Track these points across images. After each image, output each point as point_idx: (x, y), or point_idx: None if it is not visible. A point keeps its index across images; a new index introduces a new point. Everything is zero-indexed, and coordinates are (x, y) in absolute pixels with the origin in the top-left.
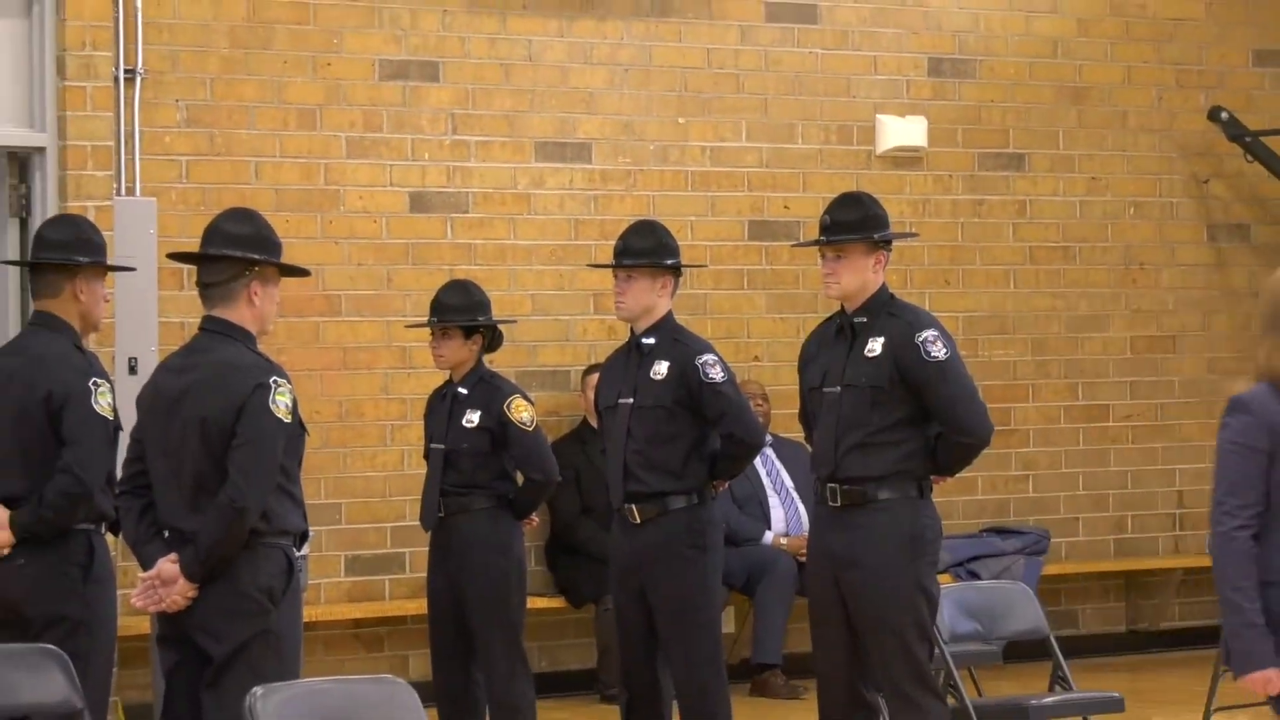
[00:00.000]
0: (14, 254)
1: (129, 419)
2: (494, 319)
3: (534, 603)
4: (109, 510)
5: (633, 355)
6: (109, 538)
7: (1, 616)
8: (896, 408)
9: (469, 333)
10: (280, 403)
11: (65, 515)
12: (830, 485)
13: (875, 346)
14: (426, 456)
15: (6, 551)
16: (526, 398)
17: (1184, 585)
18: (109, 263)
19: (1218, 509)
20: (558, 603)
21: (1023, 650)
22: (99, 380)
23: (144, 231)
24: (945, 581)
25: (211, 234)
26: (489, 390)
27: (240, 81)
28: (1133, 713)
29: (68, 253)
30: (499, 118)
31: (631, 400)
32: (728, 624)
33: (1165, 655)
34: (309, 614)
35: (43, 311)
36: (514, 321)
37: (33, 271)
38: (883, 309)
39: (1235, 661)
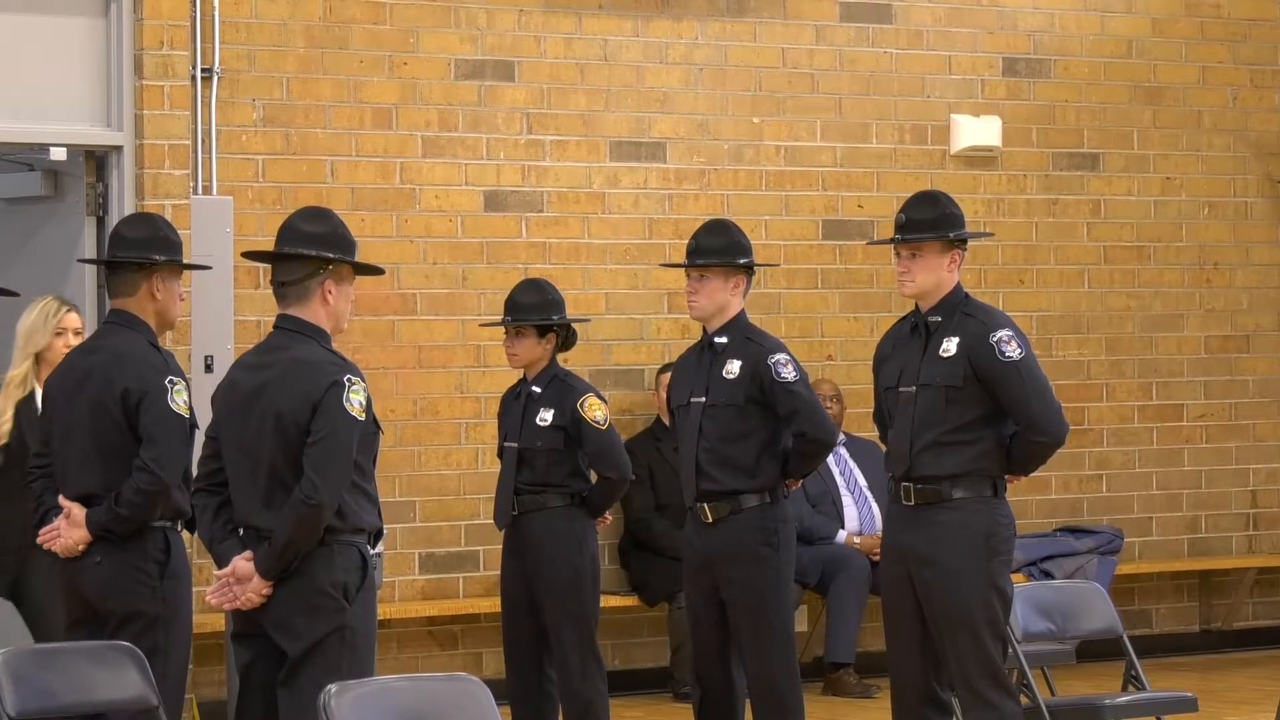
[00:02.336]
0: (91, 252)
1: (205, 417)
2: (568, 318)
3: (607, 601)
4: (185, 508)
5: (705, 354)
6: (185, 535)
7: (78, 614)
8: (971, 407)
9: (543, 332)
10: (354, 400)
11: (142, 513)
12: (905, 484)
13: (950, 346)
14: (500, 455)
15: (83, 549)
16: (600, 396)
17: (1258, 585)
18: (185, 261)
19: None
20: (631, 601)
21: (1096, 650)
22: (175, 378)
23: (220, 230)
24: (1019, 581)
25: (287, 233)
26: (563, 389)
27: (317, 81)
28: (1206, 712)
29: (144, 251)
30: (574, 117)
31: (704, 399)
32: (801, 622)
33: (1238, 655)
34: (383, 611)
35: (119, 310)
36: (588, 320)
37: (109, 270)
38: (957, 308)
39: None
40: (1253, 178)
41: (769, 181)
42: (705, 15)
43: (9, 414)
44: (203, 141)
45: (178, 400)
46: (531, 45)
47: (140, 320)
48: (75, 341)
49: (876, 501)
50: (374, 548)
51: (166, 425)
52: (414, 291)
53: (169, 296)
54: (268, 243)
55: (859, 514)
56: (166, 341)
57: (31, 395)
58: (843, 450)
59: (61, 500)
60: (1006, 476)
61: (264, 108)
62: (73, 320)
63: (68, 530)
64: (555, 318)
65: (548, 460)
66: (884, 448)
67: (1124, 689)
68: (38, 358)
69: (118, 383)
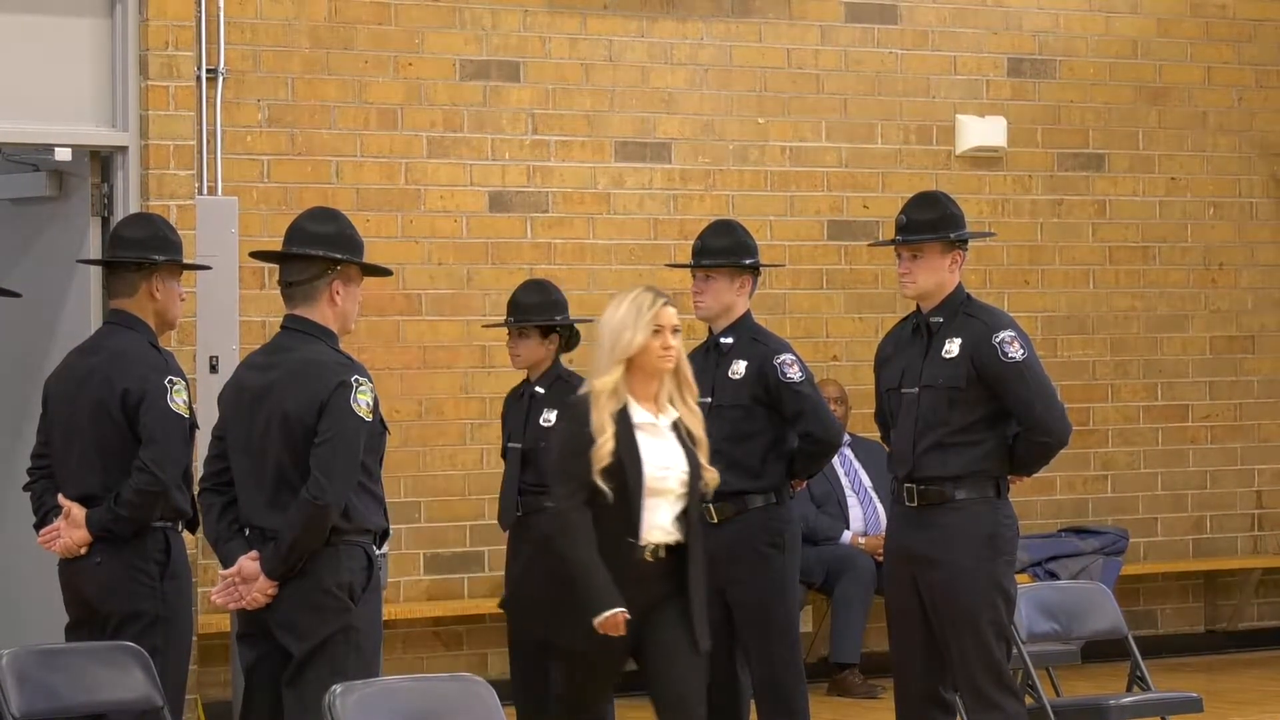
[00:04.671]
0: (96, 253)
1: (210, 417)
2: (571, 319)
3: None
4: (185, 508)
5: (711, 354)
6: (186, 535)
7: (79, 614)
8: (974, 408)
9: (546, 332)
10: (362, 401)
11: (142, 513)
12: (908, 485)
13: (952, 347)
14: (504, 455)
15: (84, 550)
16: None
17: (1263, 585)
18: (186, 261)
19: None
20: None
21: (1101, 650)
22: (175, 378)
23: (225, 230)
24: (1023, 581)
25: (294, 233)
26: (566, 389)
27: (321, 81)
28: (1211, 713)
29: (143, 251)
30: (579, 118)
31: (710, 399)
32: (806, 623)
33: (1244, 655)
34: (388, 612)
35: (119, 310)
36: (591, 321)
37: (109, 270)
38: (959, 309)
39: None
40: (1258, 178)
41: (774, 182)
42: (710, 16)
43: (610, 431)
44: (208, 142)
45: (177, 400)
46: (536, 46)
47: (140, 320)
48: (674, 341)
49: (881, 502)
50: (380, 548)
51: (166, 425)
52: (419, 292)
53: (169, 296)
54: (272, 243)
55: (864, 514)
56: (172, 342)
57: (625, 411)
58: (847, 451)
59: (61, 500)
60: (1010, 477)
61: (269, 108)
62: (669, 316)
63: (68, 531)
64: (558, 318)
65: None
66: (887, 448)
67: (1129, 689)
68: (629, 364)
69: (118, 383)
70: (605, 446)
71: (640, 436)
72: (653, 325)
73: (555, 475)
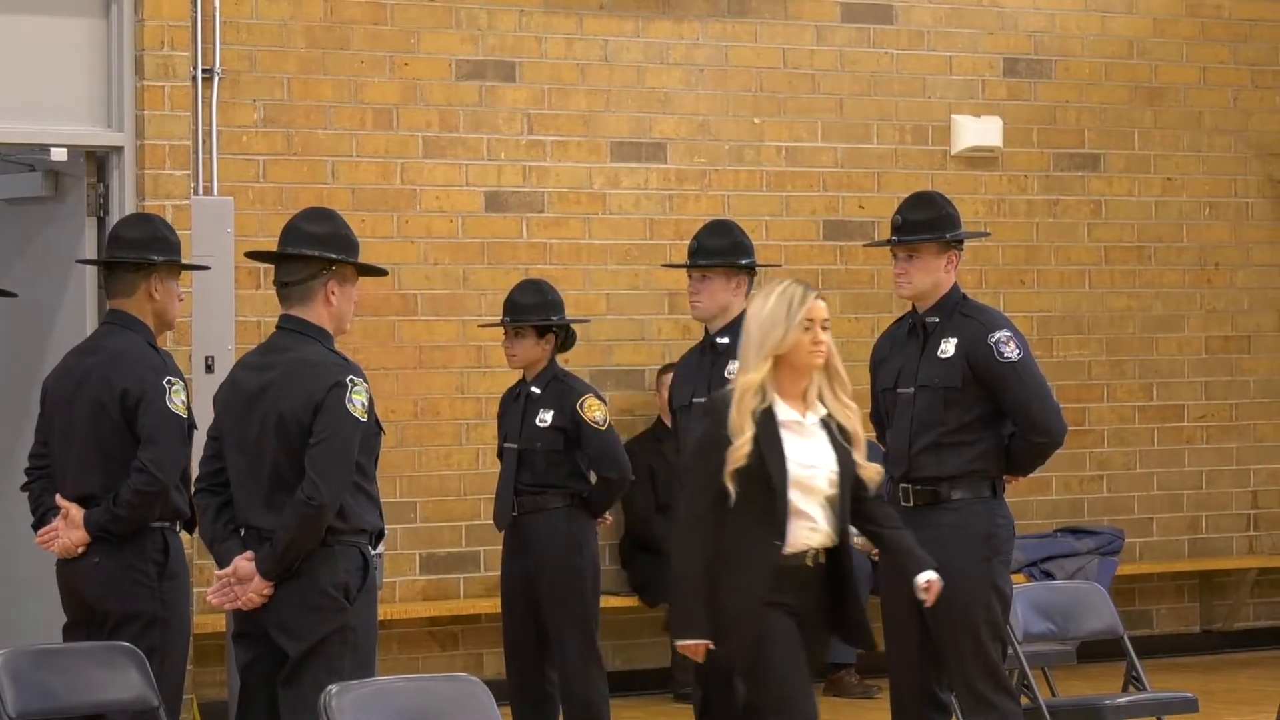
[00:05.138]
0: (91, 253)
1: (206, 417)
2: (567, 318)
3: (608, 601)
4: (184, 508)
5: (707, 354)
6: (184, 535)
7: (77, 614)
8: (970, 408)
9: (542, 332)
10: (357, 401)
11: (140, 513)
12: (904, 485)
13: (948, 347)
14: (500, 456)
15: (81, 550)
16: (599, 397)
17: (1258, 585)
18: (184, 261)
19: None
20: (632, 601)
21: (1096, 650)
22: (173, 379)
23: (221, 231)
24: (1019, 581)
25: (290, 233)
26: (562, 389)
27: (317, 81)
28: (1206, 713)
29: (142, 251)
30: (575, 117)
31: (705, 399)
32: None
33: (1239, 655)
34: (384, 612)
35: (117, 310)
36: (587, 321)
37: (108, 270)
38: (955, 309)
39: None
40: (1254, 178)
41: (770, 182)
42: (706, 16)
43: (749, 432)
44: (203, 142)
45: (176, 401)
46: (532, 46)
47: (139, 321)
48: (824, 336)
49: None
50: (375, 548)
51: (165, 426)
52: (415, 292)
53: (167, 297)
54: (268, 243)
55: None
56: (167, 342)
57: (769, 409)
58: None
59: (59, 501)
60: (1006, 477)
61: (265, 108)
62: (820, 310)
63: (66, 531)
64: (554, 318)
65: (548, 461)
66: (883, 448)
67: (1124, 689)
68: (778, 360)
69: (116, 384)
70: (742, 449)
71: (785, 435)
72: (803, 321)
73: (685, 475)
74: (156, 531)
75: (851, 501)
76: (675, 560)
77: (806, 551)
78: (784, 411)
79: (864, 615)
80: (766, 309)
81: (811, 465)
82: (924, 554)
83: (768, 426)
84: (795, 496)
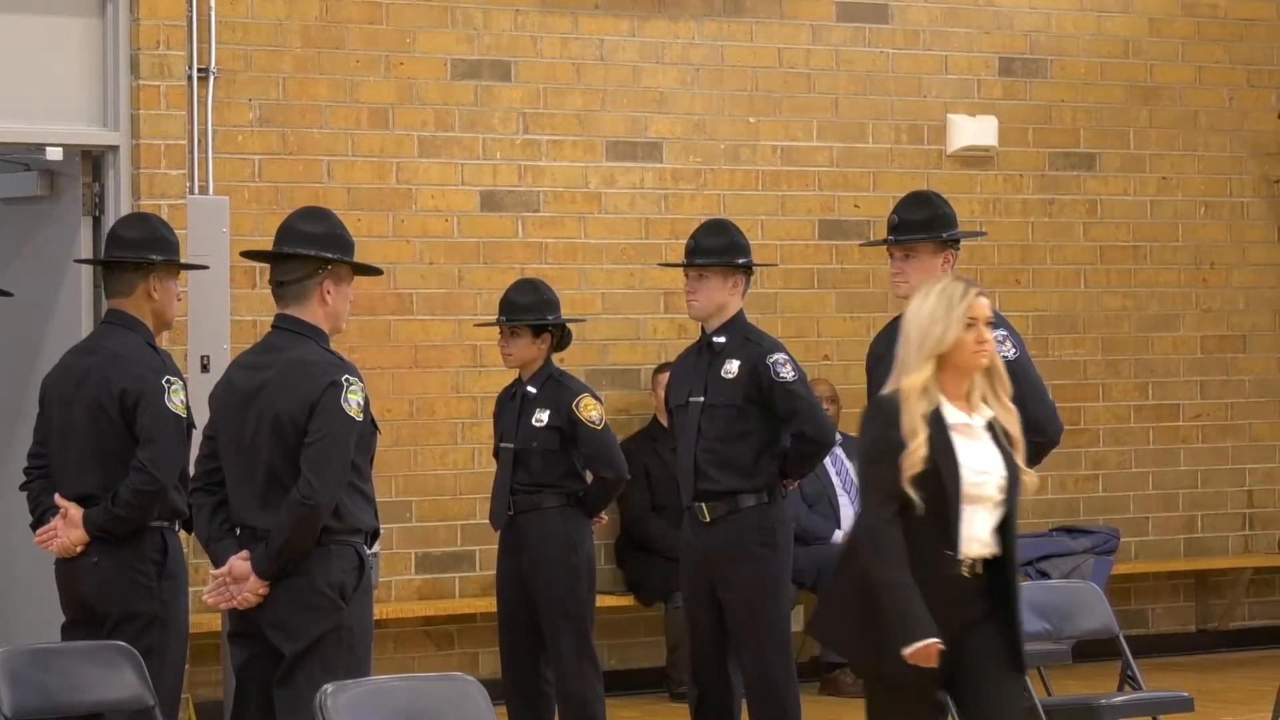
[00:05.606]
0: (87, 252)
1: (202, 416)
2: (562, 318)
3: (603, 600)
4: (182, 507)
5: (704, 354)
6: (182, 535)
7: (76, 614)
8: None
9: (537, 332)
10: (352, 401)
11: (139, 513)
12: None
13: None
14: (496, 455)
15: (81, 550)
16: (595, 396)
17: (1254, 585)
18: (182, 261)
19: None
20: (627, 601)
21: (1092, 650)
22: (172, 378)
23: (217, 230)
24: None
25: (285, 232)
26: (558, 389)
27: (313, 81)
28: (1202, 712)
29: (142, 251)
30: (570, 117)
31: (702, 399)
32: (797, 622)
33: (1235, 655)
34: (379, 611)
35: (116, 310)
36: (583, 320)
37: (107, 270)
38: None
39: None
40: (1249, 177)
41: (765, 181)
42: (702, 15)
43: (923, 435)
44: (199, 141)
45: (175, 400)
46: (528, 45)
47: (138, 320)
48: (988, 335)
49: None
50: (370, 548)
51: (164, 425)
52: (410, 291)
53: (166, 296)
54: (264, 243)
55: (855, 514)
56: (163, 341)
57: (938, 412)
58: (839, 450)
59: (58, 500)
60: None
61: (260, 108)
62: (983, 308)
63: (65, 530)
64: (550, 318)
65: (543, 461)
66: None
67: (1120, 689)
68: (940, 361)
69: (115, 383)
70: (918, 452)
71: (955, 439)
72: (966, 318)
73: (862, 483)
74: (155, 531)
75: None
76: (874, 570)
77: (965, 561)
78: (952, 414)
79: (1019, 635)
80: (926, 307)
81: (983, 471)
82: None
83: (938, 430)
84: (966, 504)
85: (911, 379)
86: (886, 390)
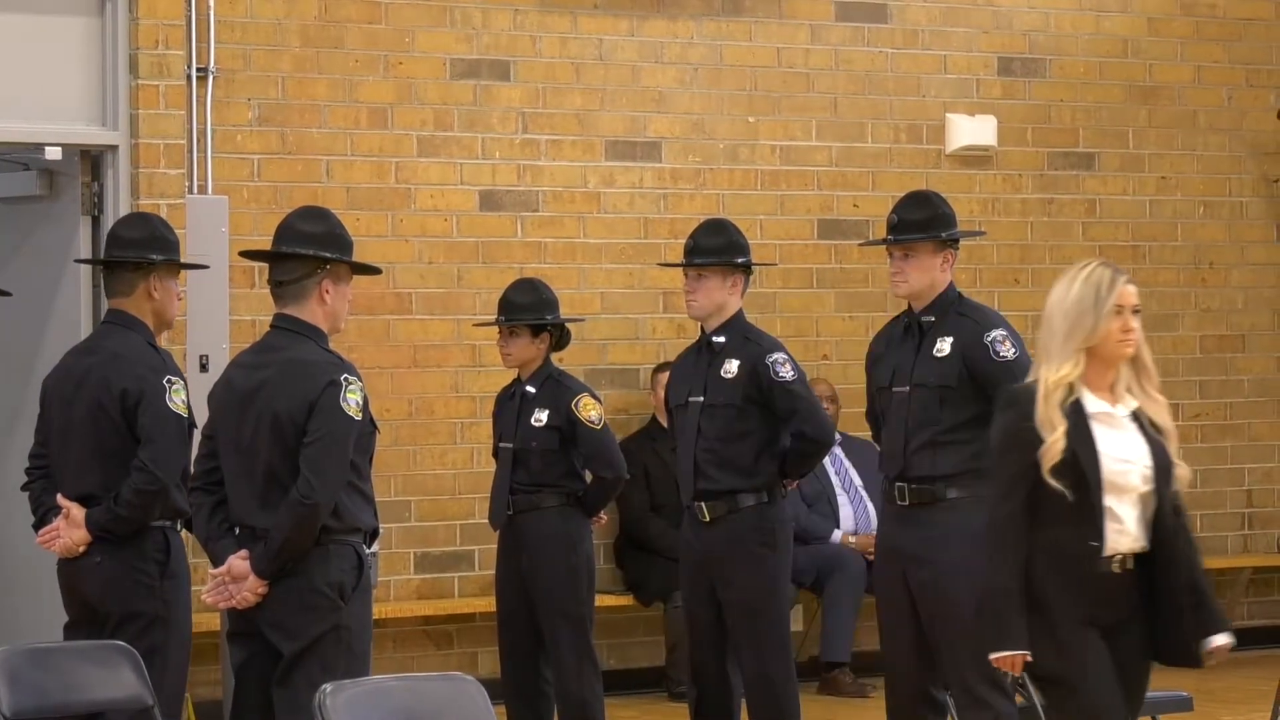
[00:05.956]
0: (86, 252)
1: (201, 416)
2: (561, 318)
3: (603, 600)
4: (184, 507)
5: (704, 353)
6: (184, 534)
7: (78, 614)
8: (965, 407)
9: (536, 331)
10: (351, 400)
11: (141, 513)
12: (899, 484)
13: (944, 346)
14: (495, 455)
15: (83, 550)
16: (594, 396)
17: (1253, 584)
18: (182, 261)
19: None
20: (626, 600)
21: None
22: (173, 378)
23: (216, 230)
24: None
25: (284, 232)
26: (557, 389)
27: (312, 80)
28: (1201, 712)
29: (142, 251)
30: (569, 116)
31: (702, 398)
32: (796, 622)
33: (1234, 654)
34: (379, 611)
35: (117, 310)
36: (582, 320)
37: (107, 270)
38: (950, 308)
39: None
40: (1248, 177)
41: (764, 181)
42: (701, 15)
43: (1061, 426)
44: (198, 141)
45: (176, 400)
46: (527, 45)
47: (138, 320)
48: (1135, 323)
49: (872, 501)
50: (370, 547)
51: (165, 425)
52: (409, 291)
53: (166, 296)
54: (263, 242)
55: (854, 514)
56: (162, 341)
57: (1077, 402)
58: (838, 450)
59: (60, 500)
60: None
61: (259, 107)
62: (1130, 295)
63: (67, 530)
64: (549, 317)
65: (543, 460)
66: (878, 447)
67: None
68: (1089, 353)
69: (116, 383)
70: (1057, 444)
71: (1096, 428)
72: (1114, 306)
73: (993, 473)
74: (158, 530)
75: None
76: (989, 565)
77: (1114, 557)
78: (1093, 403)
79: (1183, 631)
80: (1072, 295)
81: (1125, 460)
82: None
83: (1077, 419)
84: (1108, 495)
85: (1058, 374)
86: (1027, 380)
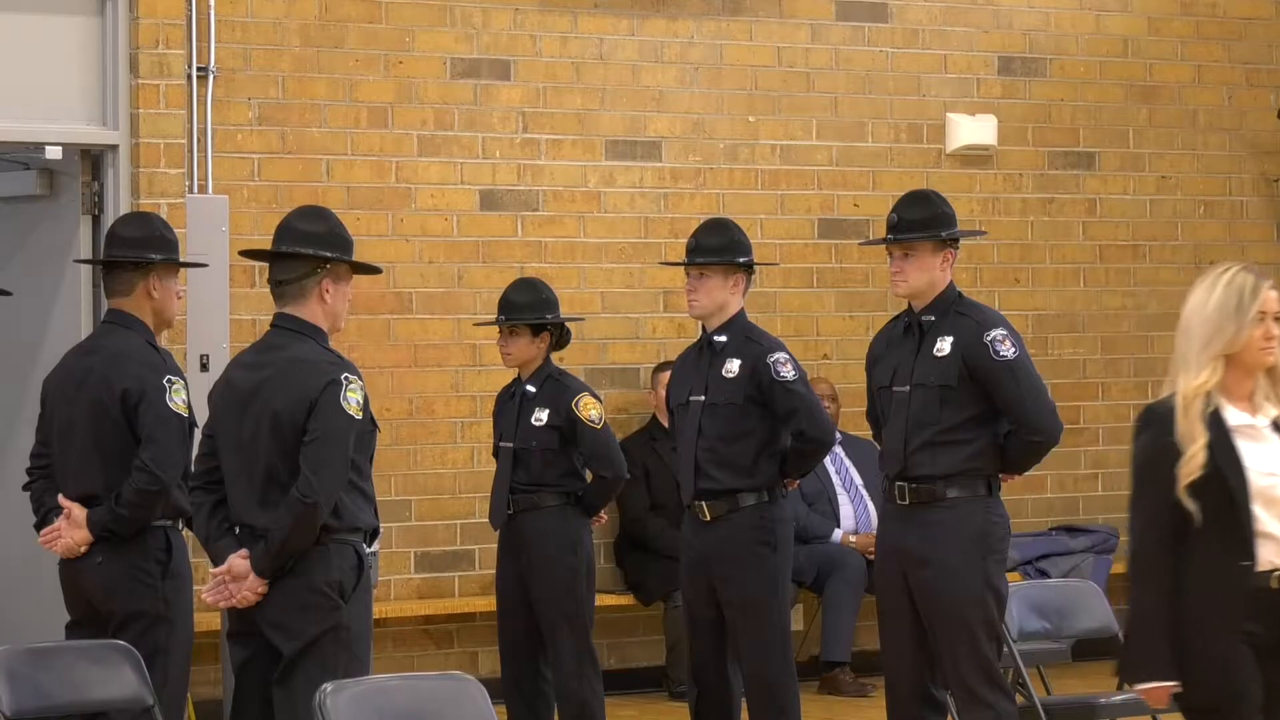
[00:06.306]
0: (86, 252)
1: (201, 416)
2: (561, 317)
3: (603, 600)
4: (185, 506)
5: (704, 353)
6: (186, 533)
7: (81, 614)
8: (965, 406)
9: (536, 331)
10: (351, 399)
11: (142, 512)
12: (899, 484)
13: (944, 346)
14: (496, 454)
15: (85, 550)
16: (594, 395)
17: None
18: (182, 260)
19: None
20: (626, 600)
21: (1091, 648)
22: (173, 377)
23: (216, 229)
24: (1014, 580)
25: (284, 232)
26: (557, 388)
27: (312, 80)
28: None
29: (141, 250)
30: (570, 116)
31: (703, 398)
32: (797, 621)
33: None
34: (379, 610)
35: (117, 309)
36: (581, 320)
37: (106, 270)
38: (950, 307)
39: None
40: (1248, 176)
41: (764, 180)
42: (701, 14)
43: (1201, 440)
44: (198, 140)
45: (176, 400)
46: (527, 44)
47: (138, 320)
48: (1277, 330)
49: (872, 501)
50: (370, 547)
51: (165, 425)
52: (409, 290)
53: (166, 295)
54: (263, 242)
55: (855, 513)
56: (162, 340)
57: (1217, 413)
58: (839, 449)
59: (62, 500)
60: (1001, 475)
61: (259, 107)
62: (1274, 301)
63: (69, 531)
64: (549, 317)
65: (543, 460)
66: (879, 446)
67: (1119, 688)
68: (1228, 361)
69: (116, 383)
70: (1196, 459)
71: (1239, 442)
72: (1256, 314)
73: (1131, 502)
74: (159, 530)
75: None
76: (1135, 592)
77: (1272, 572)
78: (1234, 416)
79: None
80: (1213, 301)
81: (1272, 473)
82: None
83: (1219, 432)
84: (1256, 509)
85: (1196, 383)
86: (1162, 395)
